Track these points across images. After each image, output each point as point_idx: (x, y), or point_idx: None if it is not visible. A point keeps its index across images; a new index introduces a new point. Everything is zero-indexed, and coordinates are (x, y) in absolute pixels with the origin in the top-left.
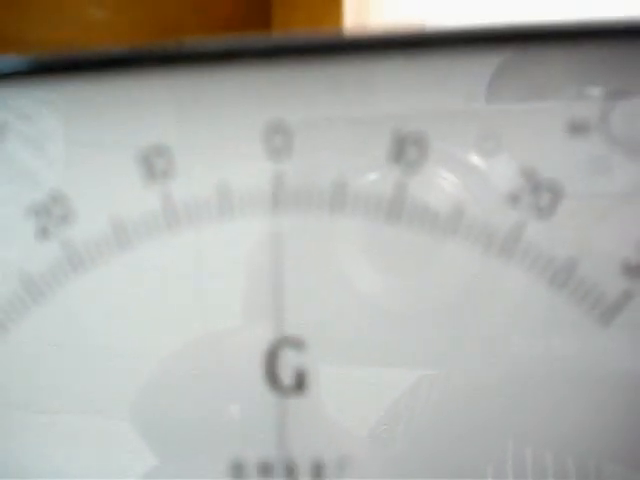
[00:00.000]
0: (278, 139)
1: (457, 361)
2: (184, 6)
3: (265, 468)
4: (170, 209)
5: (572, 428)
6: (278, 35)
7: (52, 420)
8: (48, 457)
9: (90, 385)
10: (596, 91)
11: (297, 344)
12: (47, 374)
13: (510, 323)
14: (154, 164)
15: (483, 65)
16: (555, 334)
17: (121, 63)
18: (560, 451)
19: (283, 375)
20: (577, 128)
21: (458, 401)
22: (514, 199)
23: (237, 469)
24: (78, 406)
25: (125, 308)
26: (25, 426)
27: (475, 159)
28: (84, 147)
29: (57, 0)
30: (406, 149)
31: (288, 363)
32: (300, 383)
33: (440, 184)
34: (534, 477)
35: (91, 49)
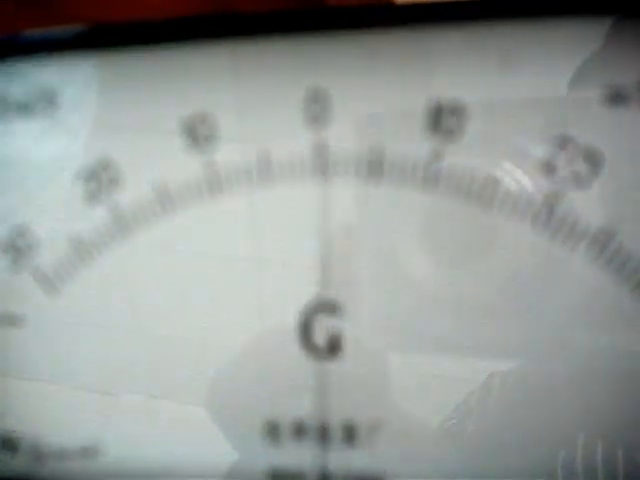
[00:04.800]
0: (317, 107)
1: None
2: None
3: (299, 429)
4: (212, 176)
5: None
6: (320, 6)
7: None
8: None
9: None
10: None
11: (334, 308)
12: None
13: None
14: (198, 131)
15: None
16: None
17: (166, 34)
18: (631, 445)
19: (318, 338)
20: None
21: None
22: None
23: (272, 429)
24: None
25: (168, 269)
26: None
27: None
28: (131, 115)
29: None
30: (443, 120)
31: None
32: (334, 347)
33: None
34: (604, 472)
35: (138, 21)
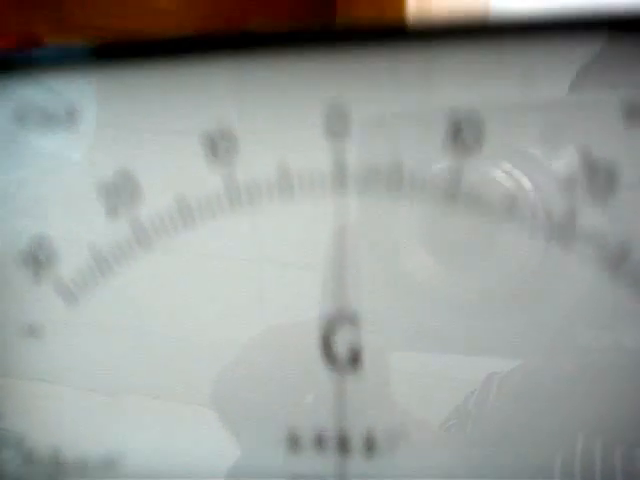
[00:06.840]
0: (338, 123)
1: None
2: None
3: (320, 440)
4: (233, 189)
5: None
6: (340, 24)
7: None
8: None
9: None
10: None
11: (353, 321)
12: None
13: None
14: (218, 146)
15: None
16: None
17: (186, 49)
18: (630, 444)
19: (339, 351)
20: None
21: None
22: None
23: (293, 441)
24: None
25: (187, 285)
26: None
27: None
28: (151, 130)
29: None
30: (462, 134)
31: (344, 340)
32: (355, 359)
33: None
34: (603, 472)
35: (157, 35)
